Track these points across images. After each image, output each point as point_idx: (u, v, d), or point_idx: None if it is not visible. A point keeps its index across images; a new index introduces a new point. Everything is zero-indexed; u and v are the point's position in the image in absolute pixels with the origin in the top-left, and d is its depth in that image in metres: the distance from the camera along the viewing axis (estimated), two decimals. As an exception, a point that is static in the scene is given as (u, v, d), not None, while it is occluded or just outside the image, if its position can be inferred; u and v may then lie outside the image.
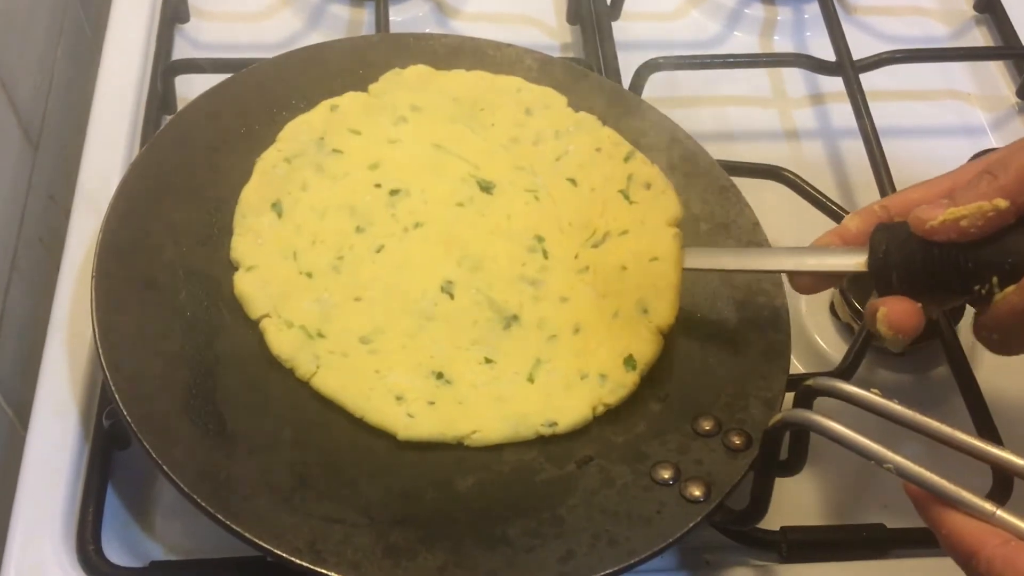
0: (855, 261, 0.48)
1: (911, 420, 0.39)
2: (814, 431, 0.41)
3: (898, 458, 0.39)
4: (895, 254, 0.46)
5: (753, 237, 0.59)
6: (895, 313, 0.46)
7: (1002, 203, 0.43)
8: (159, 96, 0.68)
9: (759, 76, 0.77)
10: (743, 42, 0.79)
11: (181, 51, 0.73)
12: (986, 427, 0.55)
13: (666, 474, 0.49)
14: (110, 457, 0.54)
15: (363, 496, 0.48)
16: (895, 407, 0.40)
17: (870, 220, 0.49)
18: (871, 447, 0.39)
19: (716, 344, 0.55)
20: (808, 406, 0.43)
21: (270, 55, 0.65)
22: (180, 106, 0.68)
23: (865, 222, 0.49)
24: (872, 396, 0.40)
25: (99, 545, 0.51)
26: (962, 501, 0.37)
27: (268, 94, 0.61)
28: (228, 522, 0.46)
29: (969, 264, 0.45)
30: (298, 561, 0.45)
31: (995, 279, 0.44)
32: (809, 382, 0.43)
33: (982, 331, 0.47)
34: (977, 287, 0.45)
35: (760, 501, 0.47)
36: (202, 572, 0.52)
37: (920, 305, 0.46)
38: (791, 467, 0.46)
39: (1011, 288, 0.44)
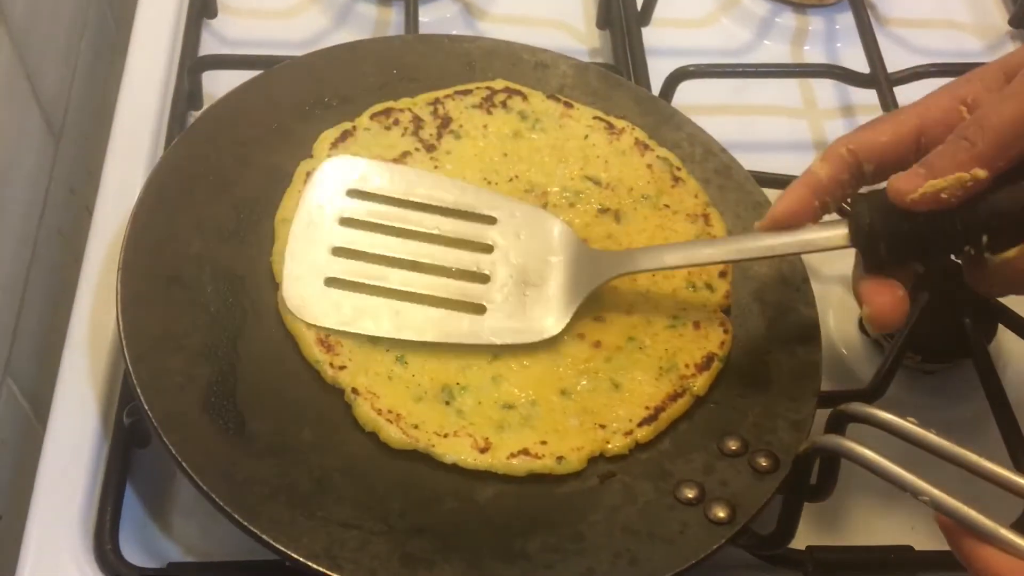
0: (837, 235, 0.48)
1: (949, 452, 0.38)
2: (847, 458, 0.41)
3: (935, 491, 0.38)
4: (880, 225, 0.46)
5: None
6: (878, 308, 0.47)
7: (980, 173, 0.43)
8: (185, 92, 0.67)
9: (789, 86, 0.76)
10: (773, 51, 0.78)
11: (207, 47, 0.72)
12: (1020, 450, 0.55)
13: (690, 494, 0.48)
14: (130, 455, 0.54)
15: (381, 502, 0.48)
16: (932, 437, 0.39)
17: (838, 166, 0.48)
18: (907, 478, 0.39)
19: (744, 362, 0.54)
20: (840, 431, 0.43)
21: (296, 53, 0.65)
22: (206, 103, 0.68)
23: (834, 168, 0.48)
24: (909, 425, 0.39)
25: (116, 545, 0.51)
26: (998, 538, 0.37)
27: (300, 92, 0.60)
28: (246, 523, 0.45)
29: (958, 227, 0.45)
30: (315, 566, 0.45)
31: (985, 238, 0.45)
32: (842, 407, 0.42)
33: (980, 285, 0.48)
34: (967, 248, 0.46)
35: (787, 526, 0.47)
36: (220, 575, 0.51)
37: (901, 291, 0.47)
38: (820, 492, 0.45)
39: (1013, 252, 0.45)
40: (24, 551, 0.51)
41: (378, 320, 0.53)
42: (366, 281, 0.54)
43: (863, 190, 0.50)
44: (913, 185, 0.44)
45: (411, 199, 0.56)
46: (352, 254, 0.54)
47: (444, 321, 0.53)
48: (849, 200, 0.49)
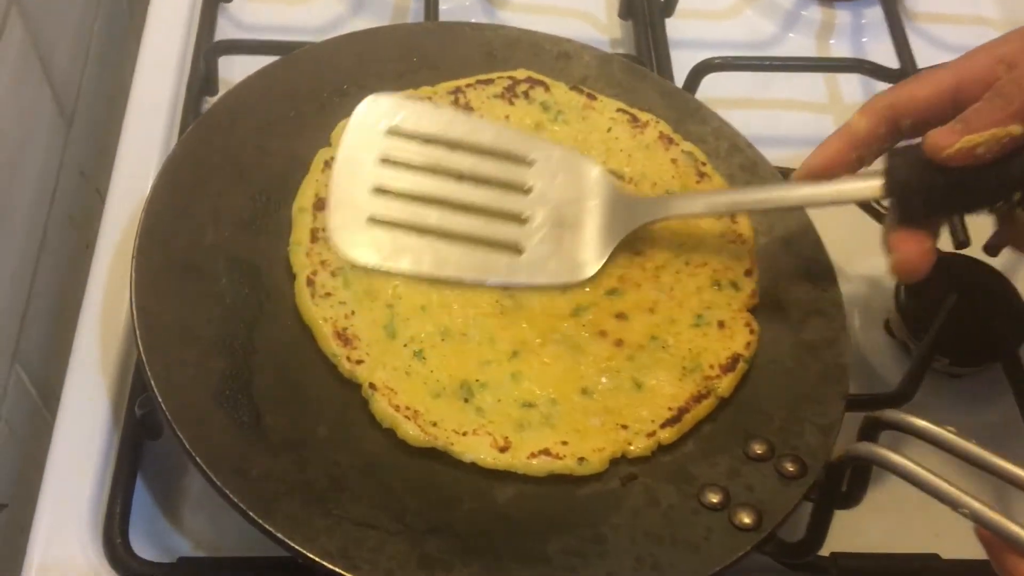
0: (871, 186, 0.49)
1: (989, 463, 0.37)
2: (883, 467, 0.39)
3: (975, 503, 0.37)
4: (915, 179, 0.47)
5: (815, 254, 0.57)
6: (905, 256, 0.48)
7: (1016, 129, 0.44)
8: (201, 77, 0.66)
9: (814, 81, 0.74)
10: (798, 44, 0.77)
11: (223, 32, 0.71)
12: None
13: (715, 498, 0.47)
14: (141, 447, 0.53)
15: (398, 501, 0.47)
16: (972, 447, 0.38)
17: (876, 120, 0.49)
18: (945, 489, 0.37)
19: (770, 364, 0.53)
20: (873, 439, 0.41)
21: (314, 39, 0.63)
22: (222, 89, 0.66)
23: (872, 122, 0.49)
24: (948, 434, 0.38)
25: (126, 538, 0.50)
26: (1042, 553, 0.36)
27: (319, 78, 0.59)
28: (261, 521, 0.44)
29: (992, 183, 0.46)
30: (330, 566, 0.44)
31: (1017, 194, 0.46)
32: (876, 414, 0.41)
33: (1012, 241, 0.50)
34: (1000, 203, 0.47)
35: (816, 535, 0.46)
36: (231, 571, 0.50)
37: (930, 243, 0.48)
38: (850, 500, 0.44)
39: None
40: (32, 543, 0.50)
41: (418, 258, 0.53)
42: (406, 220, 0.54)
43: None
44: (949, 140, 0.45)
45: (449, 138, 0.56)
46: (392, 193, 0.55)
47: (482, 261, 0.53)
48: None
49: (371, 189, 0.54)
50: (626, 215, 0.55)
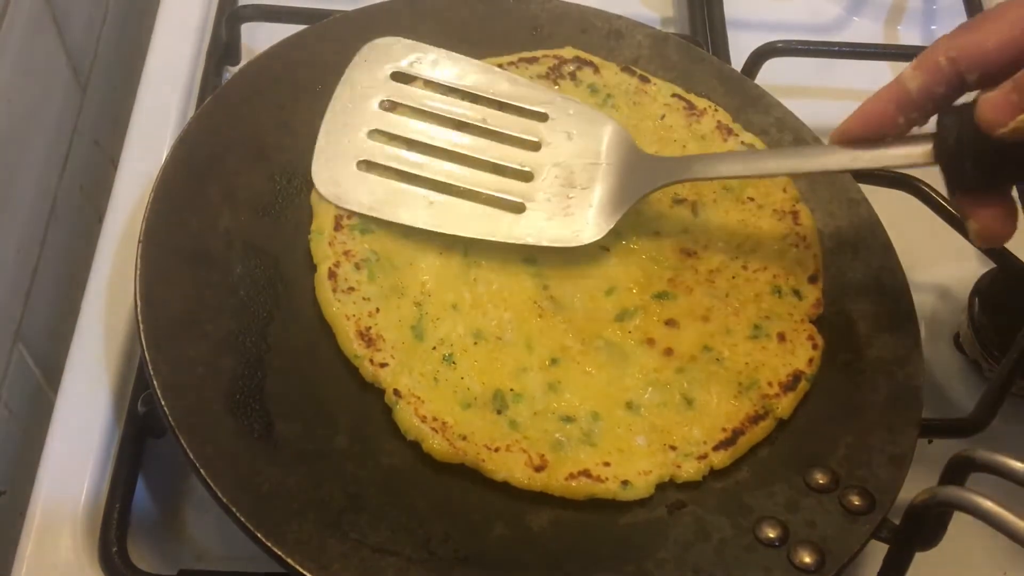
0: (920, 151, 0.43)
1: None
2: (981, 519, 0.34)
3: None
4: (968, 142, 0.41)
5: (885, 262, 0.52)
6: (986, 225, 0.42)
7: None
8: (222, 45, 0.62)
9: (880, 69, 0.69)
10: (864, 29, 0.72)
11: (247, -5, 0.67)
12: None
13: (772, 533, 0.43)
14: (142, 447, 0.49)
15: (422, 524, 0.42)
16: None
17: (934, 77, 0.42)
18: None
19: (835, 383, 0.48)
20: (961, 481, 0.37)
21: (346, 7, 0.59)
22: (244, 58, 0.63)
23: (928, 80, 0.42)
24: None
25: (124, 546, 0.47)
26: None
27: (349, 51, 0.55)
28: (270, 544, 0.41)
29: None
30: None
31: None
32: (968, 454, 0.36)
33: None
34: None
35: (890, 582, 0.41)
36: (236, 588, 0.46)
37: (1009, 204, 0.42)
38: (928, 541, 0.39)
39: None
40: (21, 546, 0.47)
41: (413, 210, 0.50)
42: (402, 167, 0.51)
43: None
44: (1004, 116, 0.39)
45: (459, 87, 0.53)
46: (390, 139, 0.52)
47: (482, 217, 0.50)
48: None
49: (367, 132, 0.51)
50: (641, 177, 0.50)
